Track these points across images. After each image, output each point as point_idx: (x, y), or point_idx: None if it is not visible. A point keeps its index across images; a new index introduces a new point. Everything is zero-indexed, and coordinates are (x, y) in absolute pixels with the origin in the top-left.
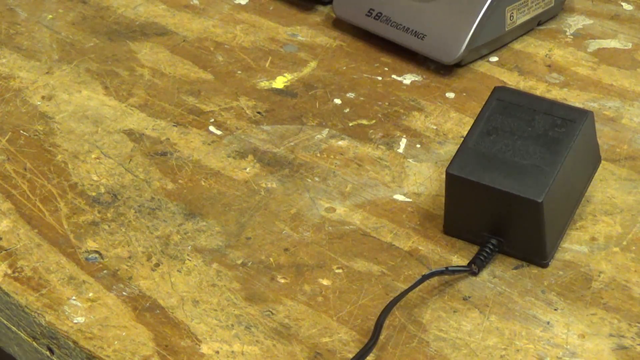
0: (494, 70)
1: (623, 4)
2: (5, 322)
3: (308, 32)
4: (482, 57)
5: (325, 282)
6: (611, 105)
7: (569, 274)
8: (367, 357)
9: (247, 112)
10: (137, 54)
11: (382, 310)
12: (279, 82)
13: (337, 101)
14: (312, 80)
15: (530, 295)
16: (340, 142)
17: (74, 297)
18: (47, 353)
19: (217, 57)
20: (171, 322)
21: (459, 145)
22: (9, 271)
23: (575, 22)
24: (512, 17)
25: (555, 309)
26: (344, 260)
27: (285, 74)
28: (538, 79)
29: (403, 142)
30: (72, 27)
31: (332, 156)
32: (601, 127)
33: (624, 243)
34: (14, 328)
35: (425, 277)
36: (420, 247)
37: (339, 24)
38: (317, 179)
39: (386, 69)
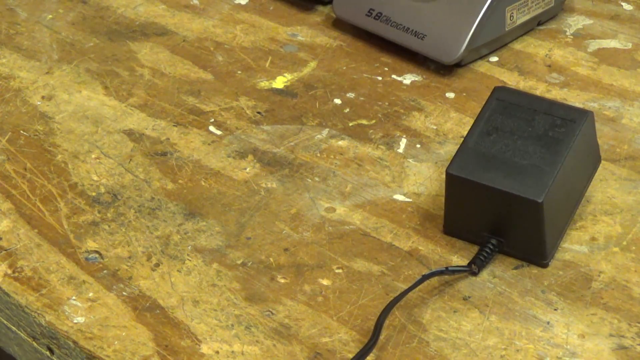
0: (494, 70)
1: (623, 4)
2: (5, 322)
3: (308, 32)
4: (482, 57)
5: (325, 282)
6: (611, 105)
7: (569, 274)
8: (367, 357)
9: (247, 112)
10: (137, 54)
11: (382, 310)
12: (279, 82)
13: (337, 101)
14: (312, 80)
15: (530, 295)
16: (340, 142)
17: (74, 297)
18: (47, 353)
19: (217, 57)
20: (171, 322)
21: (459, 145)
22: (9, 271)
23: (575, 22)
24: (512, 17)
25: (555, 309)
26: (344, 260)
27: (285, 74)
28: (538, 79)
29: (403, 142)
30: (72, 27)
31: (332, 156)
32: (601, 127)
33: (624, 243)
34: (14, 328)
35: (425, 277)
36: (420, 247)
37: (339, 24)
38: (317, 179)
39: (386, 69)
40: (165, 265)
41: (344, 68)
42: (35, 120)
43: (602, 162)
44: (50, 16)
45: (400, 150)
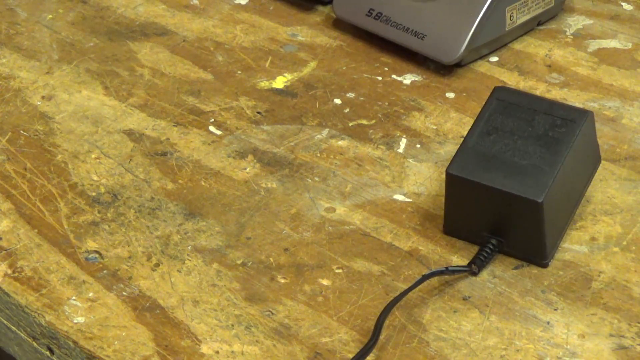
0: (494, 70)
1: (623, 4)
2: (5, 322)
3: (308, 32)
4: (482, 57)
5: (325, 282)
6: (611, 105)
7: (569, 274)
8: (367, 357)
9: (247, 112)
10: (137, 54)
11: (382, 310)
12: (279, 82)
13: (337, 101)
14: (312, 80)
15: (530, 295)
16: (340, 142)
17: (74, 297)
18: (47, 353)
19: (217, 57)
20: (171, 322)
21: (459, 145)
22: (9, 271)
23: (575, 22)
24: (512, 17)
25: (555, 309)
26: (344, 260)
27: (285, 74)
28: (538, 79)
29: (403, 142)
30: (72, 27)
31: (332, 156)
32: (601, 127)
33: (624, 243)
34: (14, 328)
35: (425, 277)
36: (420, 247)
37: (339, 24)
38: (317, 179)
39: (386, 69)
40: (165, 265)
41: (344, 68)
42: (35, 120)
43: (602, 162)
44: (50, 16)
45: (400, 150)
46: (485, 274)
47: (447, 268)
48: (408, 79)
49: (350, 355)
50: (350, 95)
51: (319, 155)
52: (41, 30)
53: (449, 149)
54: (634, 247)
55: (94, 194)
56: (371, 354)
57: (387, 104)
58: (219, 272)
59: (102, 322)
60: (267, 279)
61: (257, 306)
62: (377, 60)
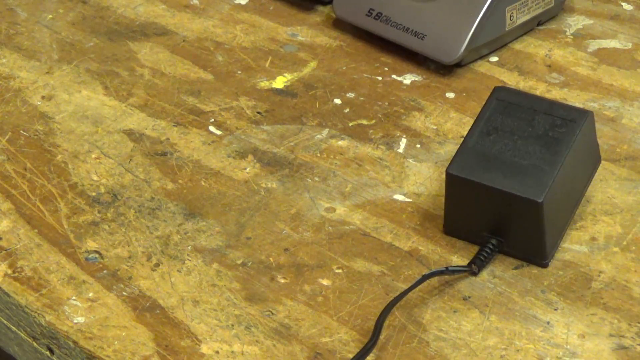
0: (494, 70)
1: (623, 4)
2: (5, 322)
3: (308, 32)
4: (482, 57)
5: (325, 282)
6: (611, 105)
7: (569, 274)
8: (367, 357)
9: (247, 112)
10: (137, 54)
11: (382, 310)
12: (279, 82)
13: (337, 101)
14: (312, 80)
15: (530, 295)
16: (340, 142)
17: (74, 297)
18: (47, 353)
19: (217, 57)
20: (171, 322)
21: (459, 145)
22: (9, 271)
23: (575, 22)
24: (512, 17)
25: (555, 309)
26: (344, 260)
27: (285, 74)
28: (538, 79)
29: (403, 142)
30: (72, 27)
31: (332, 156)
32: (601, 127)
33: (624, 243)
34: (14, 328)
35: (425, 277)
36: (420, 247)
37: (339, 24)
38: (317, 179)
39: (386, 69)
40: (165, 265)
41: (344, 68)
42: (35, 120)
43: (602, 162)
44: (50, 16)
45: (400, 150)
46: (485, 274)
47: (447, 268)
48: (408, 79)
49: (350, 355)
50: (350, 95)
51: (319, 155)
52: (41, 30)
53: (449, 149)
54: (634, 247)
55: (94, 194)
56: (371, 354)
57: (387, 104)
58: (219, 272)
59: (102, 322)
60: (267, 279)
61: (257, 306)
62: (377, 60)
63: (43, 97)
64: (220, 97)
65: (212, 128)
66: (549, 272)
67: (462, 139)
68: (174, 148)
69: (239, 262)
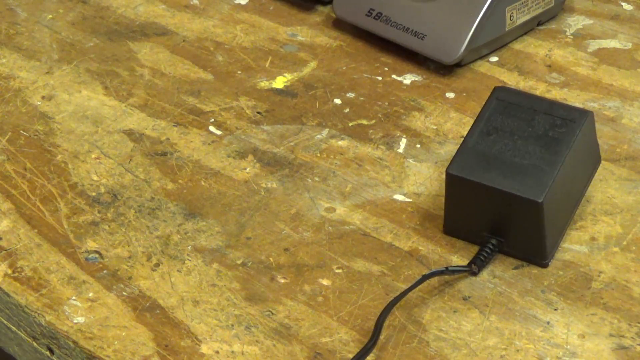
0: (494, 70)
1: (623, 4)
2: (5, 322)
3: (308, 32)
4: (482, 57)
5: (325, 282)
6: (611, 105)
7: (569, 274)
8: (367, 357)
9: (247, 112)
10: (137, 54)
11: (382, 310)
12: (279, 82)
13: (337, 101)
14: (312, 80)
15: (530, 295)
16: (340, 142)
17: (74, 297)
18: (47, 353)
19: (217, 57)
20: (171, 322)
21: (459, 145)
22: (9, 271)
23: (575, 22)
24: (512, 17)
25: (555, 309)
26: (344, 260)
27: (285, 74)
28: (538, 79)
29: (403, 142)
30: (72, 27)
31: (332, 156)
32: (601, 127)
33: (624, 243)
34: (14, 328)
35: (425, 277)
36: (420, 247)
37: (339, 24)
38: (317, 179)
39: (386, 69)
40: (165, 265)
41: (344, 68)
42: (35, 120)
43: (602, 162)
44: (50, 16)
45: (400, 150)
46: (485, 274)
47: (447, 268)
48: (408, 79)
49: (350, 355)
50: (350, 95)
51: (319, 155)
52: (41, 30)
53: (449, 149)
54: (634, 247)
55: (94, 194)
56: (371, 354)
57: (387, 104)
58: (219, 272)
59: (102, 322)
60: (267, 279)
61: (257, 306)
62: (377, 60)
63: (43, 97)
64: (220, 97)
65: (212, 128)
66: (549, 272)
67: (462, 139)
68: (174, 148)
69: (239, 262)
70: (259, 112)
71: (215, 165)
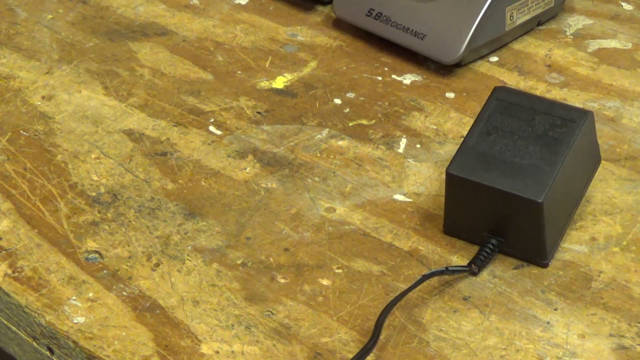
0: (494, 70)
1: (623, 4)
2: (5, 322)
3: (308, 32)
4: (482, 57)
5: (325, 282)
6: (611, 105)
7: (569, 274)
8: (367, 357)
9: (247, 112)
10: (137, 54)
11: (382, 310)
12: (279, 82)
13: (337, 101)
14: (312, 80)
15: (530, 295)
16: (340, 142)
17: (74, 297)
18: (47, 353)
19: (217, 57)
20: (171, 322)
21: (459, 145)
22: (9, 271)
23: (575, 22)
24: (512, 17)
25: (555, 309)
26: (344, 260)
27: (285, 74)
28: (538, 79)
29: (403, 142)
30: (72, 27)
31: (332, 156)
32: (601, 127)
33: (624, 243)
34: (14, 328)
35: (425, 277)
36: (420, 247)
37: (339, 24)
38: (317, 179)
39: (386, 69)
40: (165, 265)
41: (344, 68)
42: (35, 120)
43: (602, 162)
44: (50, 16)
45: (400, 150)
46: (485, 274)
47: (447, 268)
48: (408, 79)
49: (350, 355)
50: (350, 95)
51: (319, 155)
52: (41, 30)
53: (449, 149)
54: (634, 247)
55: (94, 194)
56: (371, 354)
57: (387, 104)
58: (219, 272)
59: (102, 322)
60: (267, 279)
61: (257, 306)
62: (377, 60)
63: (43, 97)
64: (220, 97)
65: (212, 128)
66: (549, 272)
67: (462, 139)
68: (174, 148)
69: (239, 262)
70: (259, 112)
71: (215, 165)
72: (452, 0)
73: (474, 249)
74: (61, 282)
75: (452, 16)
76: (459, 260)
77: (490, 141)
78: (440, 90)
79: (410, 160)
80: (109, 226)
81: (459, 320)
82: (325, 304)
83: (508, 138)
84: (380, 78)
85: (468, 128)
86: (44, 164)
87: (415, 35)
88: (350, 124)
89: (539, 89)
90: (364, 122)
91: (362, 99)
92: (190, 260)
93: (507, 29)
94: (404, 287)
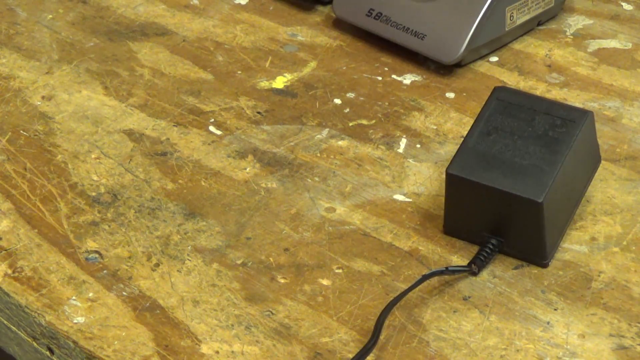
0: (494, 70)
1: (623, 4)
2: (5, 322)
3: (308, 32)
4: (482, 57)
5: (325, 282)
6: (611, 105)
7: (569, 274)
8: (367, 357)
9: (247, 112)
10: (137, 54)
11: (382, 310)
12: (279, 82)
13: (337, 101)
14: (312, 80)
15: (530, 295)
16: (340, 142)
17: (74, 297)
18: (47, 353)
19: (217, 57)
20: (171, 322)
21: (459, 145)
22: (9, 271)
23: (575, 22)
24: (512, 17)
25: (555, 309)
26: (344, 260)
27: (285, 74)
28: (538, 79)
29: (403, 142)
30: (72, 27)
31: (332, 156)
32: (601, 127)
33: (624, 243)
34: (14, 328)
35: (425, 277)
36: (420, 247)
37: (339, 24)
38: (317, 179)
39: (386, 69)
40: (165, 265)
41: (344, 68)
42: (35, 120)
43: (602, 162)
44: (50, 16)
45: (400, 150)
46: (485, 274)
47: (447, 268)
48: (408, 79)
49: (350, 355)
50: (350, 95)
51: (319, 155)
52: (41, 30)
53: (449, 149)
54: (634, 247)
55: (94, 194)
56: (371, 354)
57: (387, 104)
58: (219, 272)
59: (102, 322)
60: (267, 279)
61: (257, 306)
62: (377, 60)
63: (43, 97)
64: (220, 97)
65: (212, 128)
66: (549, 272)
67: (462, 139)
68: (174, 148)
69: (239, 262)
70: (259, 112)
71: (215, 165)
72: (452, 0)
73: (474, 249)
74: (61, 282)
75: (452, 16)
76: (459, 260)
77: (490, 141)
78: (440, 90)
79: (410, 160)
80: (109, 226)
81: (459, 320)
82: (325, 304)
83: (508, 138)
84: (380, 78)
85: (468, 128)
86: (44, 164)
87: (415, 35)
88: (350, 124)
89: (539, 89)
90: (364, 122)
91: (362, 99)
92: (190, 260)
93: (507, 29)
94: (404, 287)
